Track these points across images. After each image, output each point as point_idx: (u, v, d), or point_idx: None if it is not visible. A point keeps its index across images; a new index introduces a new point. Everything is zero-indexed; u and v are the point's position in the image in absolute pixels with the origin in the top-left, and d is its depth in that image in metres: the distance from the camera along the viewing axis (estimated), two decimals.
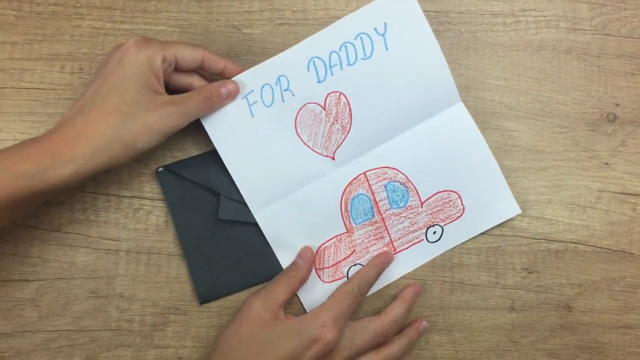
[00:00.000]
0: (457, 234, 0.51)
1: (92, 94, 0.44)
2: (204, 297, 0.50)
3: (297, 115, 0.49)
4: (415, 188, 0.50)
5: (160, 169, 0.50)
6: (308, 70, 0.48)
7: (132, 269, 0.50)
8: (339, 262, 0.50)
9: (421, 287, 0.51)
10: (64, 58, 0.51)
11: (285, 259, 0.50)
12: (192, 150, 0.51)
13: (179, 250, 0.51)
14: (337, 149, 0.50)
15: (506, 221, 0.52)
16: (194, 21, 0.52)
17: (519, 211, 0.51)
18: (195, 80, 0.48)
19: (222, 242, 0.50)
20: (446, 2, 0.53)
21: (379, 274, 0.50)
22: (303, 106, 0.49)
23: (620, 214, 0.52)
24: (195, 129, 0.49)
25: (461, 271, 0.52)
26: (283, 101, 0.49)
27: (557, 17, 0.53)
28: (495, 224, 0.51)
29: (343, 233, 0.50)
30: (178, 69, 0.47)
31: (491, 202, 0.51)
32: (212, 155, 0.50)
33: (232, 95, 0.48)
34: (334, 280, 0.50)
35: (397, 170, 0.50)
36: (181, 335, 0.50)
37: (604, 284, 0.52)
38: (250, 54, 0.52)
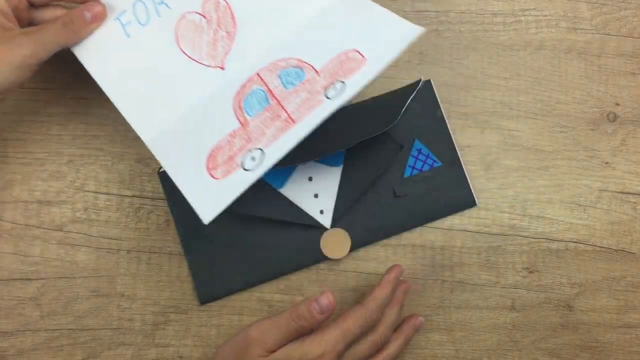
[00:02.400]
0: (359, 80, 0.44)
1: None
2: (205, 297, 0.50)
3: (177, 29, 0.46)
4: (310, 65, 0.45)
5: (161, 169, 0.50)
6: None
7: (133, 268, 0.51)
8: (234, 155, 0.44)
9: (411, 284, 0.50)
10: (66, 59, 0.51)
11: (186, 186, 0.43)
12: None
13: (179, 249, 0.51)
14: (225, 57, 0.46)
15: (507, 221, 0.52)
16: None
17: (417, 31, 0.44)
18: (58, 13, 0.45)
19: (222, 242, 0.50)
20: (446, 1, 0.53)
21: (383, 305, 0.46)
22: (181, 17, 0.46)
23: (621, 213, 0.52)
24: None
25: (461, 270, 0.52)
26: (159, 16, 0.45)
27: (557, 17, 0.53)
28: (396, 53, 0.44)
29: (237, 128, 0.45)
30: (33, 3, 0.44)
31: (385, 36, 0.44)
32: None
33: (99, 18, 0.44)
34: (227, 175, 0.44)
35: (290, 58, 0.45)
36: (182, 334, 0.50)
37: (604, 283, 0.52)
38: None
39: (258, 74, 0.45)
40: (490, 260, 0.52)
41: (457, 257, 0.52)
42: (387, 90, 0.53)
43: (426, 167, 0.52)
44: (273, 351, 0.42)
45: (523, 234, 0.52)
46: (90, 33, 0.44)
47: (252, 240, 0.51)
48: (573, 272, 0.52)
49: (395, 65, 0.53)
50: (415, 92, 0.50)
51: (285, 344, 0.42)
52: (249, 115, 0.45)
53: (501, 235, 0.52)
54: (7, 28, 0.42)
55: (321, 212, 0.51)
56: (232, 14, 0.46)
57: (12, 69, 0.41)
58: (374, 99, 0.53)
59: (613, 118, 0.53)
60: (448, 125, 0.52)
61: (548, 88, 0.53)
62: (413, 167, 0.52)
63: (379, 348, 0.47)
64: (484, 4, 0.53)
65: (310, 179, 0.52)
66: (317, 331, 0.43)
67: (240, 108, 0.45)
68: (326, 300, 0.43)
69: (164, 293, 0.51)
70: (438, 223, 0.52)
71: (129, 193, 0.51)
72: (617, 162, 0.53)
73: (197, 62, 0.45)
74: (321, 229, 0.51)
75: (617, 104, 0.53)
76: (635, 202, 0.52)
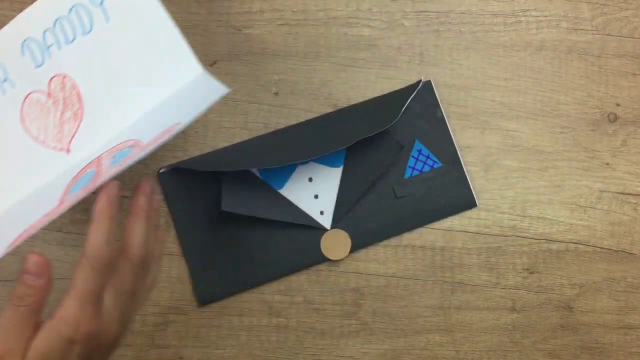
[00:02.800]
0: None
1: None
2: (204, 298, 0.50)
3: (22, 108, 0.44)
4: (142, 143, 0.42)
5: (161, 170, 0.50)
6: (23, 54, 0.43)
7: None
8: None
9: (146, 181, 0.42)
10: None
11: None
12: (193, 151, 0.51)
13: (179, 250, 0.51)
14: (71, 139, 0.44)
15: (507, 222, 0.52)
16: (195, 22, 0.52)
17: (224, 92, 0.40)
18: None
19: (222, 243, 0.50)
20: (447, 2, 0.53)
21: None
22: (26, 97, 0.44)
23: (621, 214, 0.52)
24: (195, 132, 0.49)
25: (462, 271, 0.52)
26: (4, 94, 0.43)
27: (557, 17, 0.53)
28: (205, 106, 0.39)
29: (52, 209, 0.41)
30: None
31: (202, 101, 0.40)
32: (217, 152, 0.50)
33: None
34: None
35: (131, 139, 0.43)
36: (182, 335, 0.50)
37: (605, 284, 0.52)
38: (251, 55, 0.52)
39: (99, 157, 0.43)
40: (490, 261, 0.52)
41: (458, 258, 0.52)
42: (387, 91, 0.53)
43: (426, 168, 0.52)
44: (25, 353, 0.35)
45: (523, 234, 0.52)
46: None
47: (252, 241, 0.51)
48: (573, 273, 0.52)
49: (395, 65, 0.53)
50: (415, 93, 0.50)
51: (31, 337, 0.35)
52: (69, 195, 0.42)
53: (501, 236, 0.52)
54: None
55: (321, 212, 0.51)
56: (79, 94, 0.44)
57: None
58: (374, 99, 0.53)
59: (614, 119, 0.53)
60: (448, 125, 0.52)
61: (548, 89, 0.53)
62: (413, 168, 0.52)
63: (143, 260, 0.39)
64: (484, 4, 0.53)
65: (310, 179, 0.52)
66: (54, 312, 0.36)
67: (68, 191, 0.42)
68: (31, 259, 0.36)
69: (163, 294, 0.51)
70: (438, 224, 0.52)
71: (128, 194, 0.51)
72: (618, 162, 0.53)
73: (42, 143, 0.44)
74: (321, 229, 0.51)
75: (618, 105, 0.53)
76: (635, 203, 0.52)
